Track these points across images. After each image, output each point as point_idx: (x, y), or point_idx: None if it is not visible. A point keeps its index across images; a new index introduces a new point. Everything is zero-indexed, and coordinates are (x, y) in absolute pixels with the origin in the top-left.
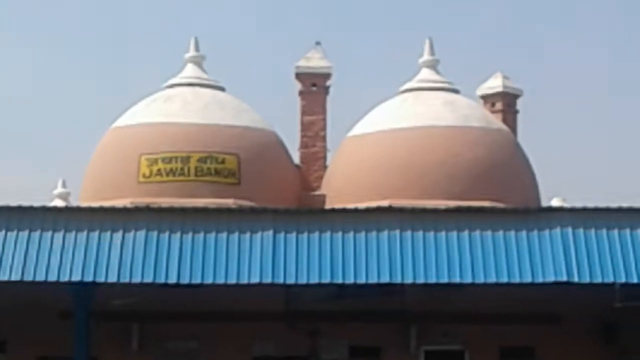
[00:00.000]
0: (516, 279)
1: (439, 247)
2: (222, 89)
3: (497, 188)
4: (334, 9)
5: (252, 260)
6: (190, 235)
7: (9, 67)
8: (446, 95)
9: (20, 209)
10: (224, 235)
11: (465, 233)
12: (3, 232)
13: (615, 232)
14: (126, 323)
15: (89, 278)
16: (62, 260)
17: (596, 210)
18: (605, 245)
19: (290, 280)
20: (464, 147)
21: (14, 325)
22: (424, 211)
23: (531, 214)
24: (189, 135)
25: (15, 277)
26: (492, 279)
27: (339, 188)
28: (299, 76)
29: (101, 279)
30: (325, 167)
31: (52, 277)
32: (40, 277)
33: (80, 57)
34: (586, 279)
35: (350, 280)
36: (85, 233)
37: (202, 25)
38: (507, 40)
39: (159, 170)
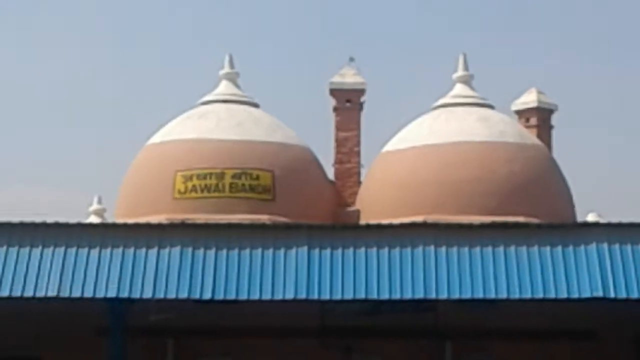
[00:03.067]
0: (551, 295)
1: (474, 262)
2: (256, 105)
3: (532, 203)
4: (368, 25)
5: (286, 276)
6: (224, 251)
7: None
8: (480, 111)
9: (56, 225)
10: (258, 251)
11: (501, 249)
12: (40, 248)
13: None
14: (161, 339)
15: (124, 294)
16: (98, 276)
17: (632, 225)
18: None
19: (325, 296)
20: (498, 163)
21: (49, 341)
22: (459, 227)
23: (567, 229)
24: (223, 152)
25: (52, 293)
26: (528, 295)
27: (373, 204)
28: (333, 92)
29: (136, 295)
30: (359, 183)
31: (88, 294)
32: (77, 294)
33: (115, 73)
34: (622, 295)
35: (384, 296)
36: (120, 249)
37: (236, 42)
38: (541, 55)
39: (193, 186)
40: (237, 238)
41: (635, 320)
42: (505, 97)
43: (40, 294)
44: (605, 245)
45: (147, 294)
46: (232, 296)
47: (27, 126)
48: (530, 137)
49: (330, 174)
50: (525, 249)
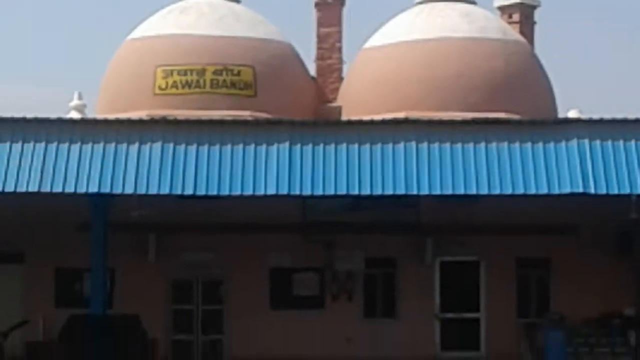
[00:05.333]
0: (532, 191)
1: (455, 158)
2: (237, 0)
3: (513, 100)
4: None
5: (268, 171)
6: (206, 147)
7: None
8: (463, 7)
9: (37, 121)
10: (240, 147)
11: (482, 145)
12: (20, 143)
13: (632, 143)
14: (143, 235)
15: (105, 189)
16: (79, 171)
17: (613, 121)
18: (621, 156)
19: (307, 192)
20: (480, 59)
21: (31, 237)
22: (440, 123)
23: (548, 125)
24: (204, 47)
25: (33, 188)
26: (508, 191)
27: (355, 100)
28: None
29: (118, 190)
30: (341, 79)
31: (70, 189)
32: (58, 189)
33: None
34: (602, 190)
35: (366, 191)
36: (101, 145)
37: None
38: None
39: (174, 82)
40: (219, 134)
41: (615, 216)
42: None
43: (22, 189)
44: (586, 141)
45: (129, 190)
46: (213, 191)
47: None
48: (513, 34)
49: (312, 70)
50: (506, 145)
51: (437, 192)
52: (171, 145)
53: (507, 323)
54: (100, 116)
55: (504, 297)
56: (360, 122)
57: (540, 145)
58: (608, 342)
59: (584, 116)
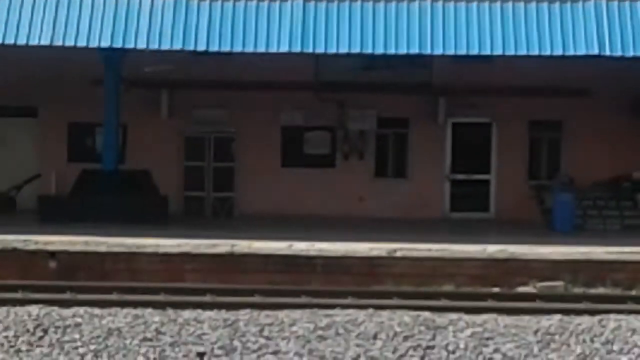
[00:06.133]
0: (547, 52)
1: (470, 18)
2: None
3: None
4: None
5: (281, 28)
6: (219, 2)
7: None
8: None
9: None
10: (253, 3)
11: (497, 4)
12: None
13: None
14: (156, 90)
15: (118, 44)
16: (91, 25)
17: None
18: (638, 18)
19: (320, 49)
20: None
21: (45, 91)
22: None
23: None
24: None
25: (45, 41)
26: (523, 51)
27: None
28: None
29: (130, 45)
30: None
31: (82, 43)
32: (70, 42)
33: None
34: (617, 52)
35: (379, 50)
36: None
37: None
38: None
39: None
40: None
41: (630, 78)
42: None
43: (34, 42)
44: (603, 2)
45: (141, 45)
46: (226, 47)
47: None
48: None
49: None
50: (522, 5)
51: (451, 52)
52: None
53: (517, 185)
54: None
55: (515, 159)
56: None
57: (556, 5)
58: (617, 205)
59: None
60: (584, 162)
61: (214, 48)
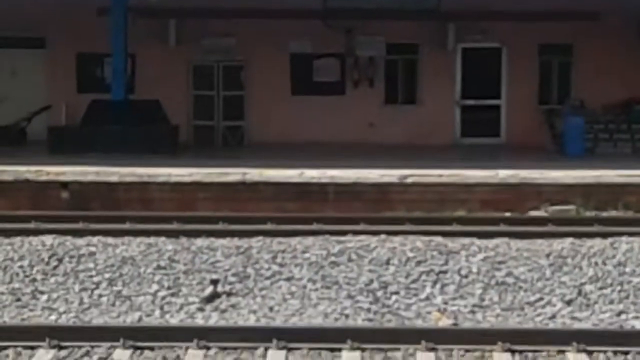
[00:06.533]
0: None
1: None
2: None
3: None
4: None
5: None
6: None
7: None
8: None
9: None
10: None
11: None
12: None
13: None
14: (163, 20)
15: None
16: None
17: None
18: None
19: None
20: None
21: (53, 22)
22: None
23: None
24: None
25: None
26: None
27: None
28: None
29: None
30: None
31: None
32: None
33: None
34: None
35: None
36: None
37: None
38: None
39: None
40: None
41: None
42: None
43: None
44: None
45: None
46: None
47: None
48: None
49: None
50: None
51: None
52: None
53: (527, 110)
54: None
55: (525, 83)
56: None
57: None
58: (628, 128)
59: None
60: (595, 86)
61: None
